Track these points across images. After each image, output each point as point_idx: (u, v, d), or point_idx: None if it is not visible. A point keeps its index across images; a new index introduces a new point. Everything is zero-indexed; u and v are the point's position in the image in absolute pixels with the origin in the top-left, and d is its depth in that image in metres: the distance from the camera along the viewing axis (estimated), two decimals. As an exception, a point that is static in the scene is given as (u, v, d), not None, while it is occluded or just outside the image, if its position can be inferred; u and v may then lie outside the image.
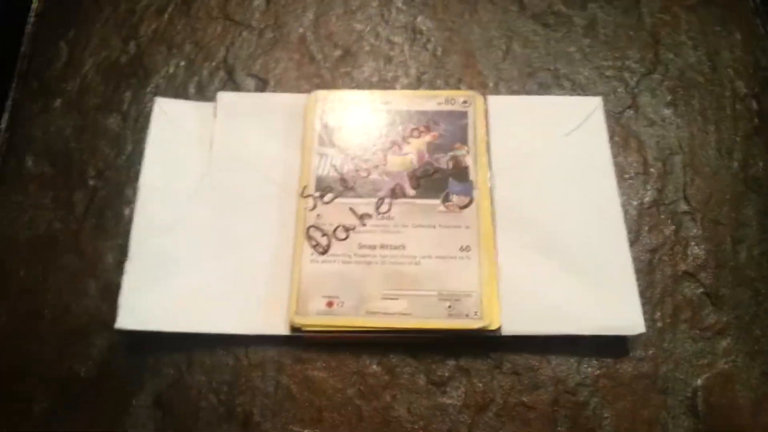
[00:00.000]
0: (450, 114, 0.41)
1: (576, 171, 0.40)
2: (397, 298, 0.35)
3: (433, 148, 0.40)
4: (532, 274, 0.36)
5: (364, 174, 0.39)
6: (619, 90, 0.44)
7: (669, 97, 0.44)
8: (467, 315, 0.34)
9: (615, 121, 0.42)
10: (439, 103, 0.41)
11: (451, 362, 0.35)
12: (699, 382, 0.35)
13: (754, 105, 0.44)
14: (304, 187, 0.38)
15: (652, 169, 0.41)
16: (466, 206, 0.38)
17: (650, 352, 0.35)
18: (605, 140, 0.40)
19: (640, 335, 0.35)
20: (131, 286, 0.35)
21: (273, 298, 0.35)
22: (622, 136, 0.42)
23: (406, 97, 0.42)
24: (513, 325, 0.34)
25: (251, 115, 0.41)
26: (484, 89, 0.43)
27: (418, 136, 0.40)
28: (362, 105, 0.41)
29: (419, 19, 0.47)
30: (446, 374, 0.35)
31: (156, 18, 0.46)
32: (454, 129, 0.40)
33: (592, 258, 0.37)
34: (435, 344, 0.35)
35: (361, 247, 0.36)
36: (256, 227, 0.38)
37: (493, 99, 0.42)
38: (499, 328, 0.34)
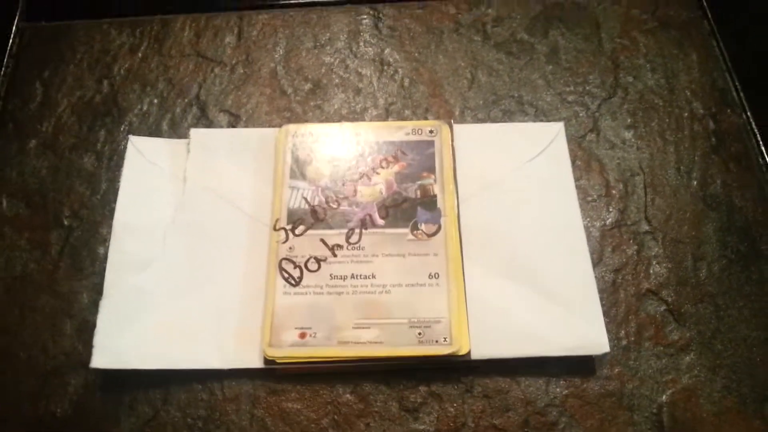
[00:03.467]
0: (417, 144, 0.42)
1: (540, 196, 0.41)
2: (368, 327, 0.36)
3: (402, 177, 0.41)
4: (499, 299, 0.37)
5: (334, 205, 0.40)
6: (580, 114, 0.45)
7: (629, 120, 0.45)
8: (437, 341, 0.35)
9: (577, 145, 0.44)
10: (407, 134, 0.43)
11: (423, 388, 0.36)
12: (664, 398, 0.36)
13: (711, 124, 0.45)
14: (276, 220, 0.39)
15: (614, 191, 0.42)
16: (434, 234, 0.39)
17: (616, 370, 0.36)
18: (567, 164, 0.42)
19: (605, 354, 0.36)
20: (106, 324, 0.35)
21: (246, 332, 0.36)
22: (585, 160, 0.43)
23: (374, 128, 0.43)
24: (482, 350, 0.35)
25: (223, 150, 0.42)
26: (451, 118, 0.45)
27: (387, 167, 0.41)
28: (331, 137, 0.42)
29: (387, 51, 0.48)
30: (418, 400, 0.35)
31: (129, 57, 0.47)
32: (422, 158, 0.41)
33: (557, 281, 0.38)
34: (407, 371, 0.36)
35: (332, 277, 0.37)
36: (229, 261, 0.38)
37: (458, 128, 0.43)
38: (468, 353, 0.35)
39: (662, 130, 0.45)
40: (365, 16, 0.50)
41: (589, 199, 0.42)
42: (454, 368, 0.36)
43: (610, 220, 0.41)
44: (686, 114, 0.46)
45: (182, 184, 0.41)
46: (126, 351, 0.35)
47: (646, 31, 0.49)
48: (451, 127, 0.43)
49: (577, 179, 0.41)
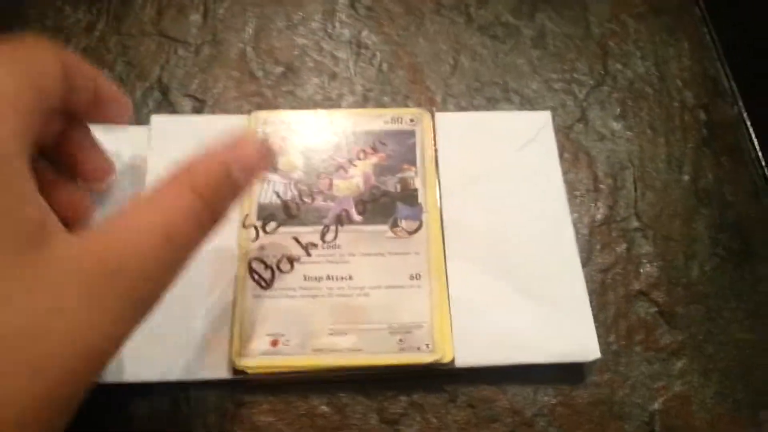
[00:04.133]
0: (397, 134, 0.39)
1: (526, 189, 0.38)
2: (345, 333, 0.33)
3: (380, 170, 0.38)
4: (484, 303, 0.35)
5: (308, 200, 0.37)
6: (568, 103, 0.43)
7: (618, 110, 0.43)
8: (419, 348, 0.33)
9: (564, 136, 0.42)
10: (386, 122, 0.40)
11: (404, 398, 0.34)
12: (656, 405, 0.34)
13: (703, 115, 0.44)
14: (246, 216, 0.36)
15: (602, 186, 0.40)
16: (415, 231, 0.36)
17: (606, 377, 0.35)
18: (555, 156, 0.40)
19: (595, 360, 0.34)
20: None
21: (214, 339, 0.33)
22: (572, 152, 0.41)
23: (351, 116, 0.40)
24: (467, 357, 0.33)
25: (188, 139, 0.39)
26: (432, 105, 0.42)
27: (364, 158, 0.38)
28: (305, 126, 0.39)
29: (364, 33, 0.45)
30: (399, 411, 0.33)
31: (85, 36, 0.44)
32: (402, 149, 0.39)
33: (545, 283, 0.36)
34: (387, 380, 0.34)
35: (306, 279, 0.35)
36: (194, 262, 0.35)
37: (440, 116, 0.40)
38: (452, 361, 0.33)
39: (652, 121, 0.43)
40: (341, -5, 0.46)
41: (577, 193, 0.40)
42: (437, 376, 0.34)
43: (598, 216, 0.39)
44: (677, 104, 0.44)
45: (143, 176, 0.37)
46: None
47: (636, 16, 0.47)
48: (432, 115, 0.40)
49: (564, 173, 0.39)
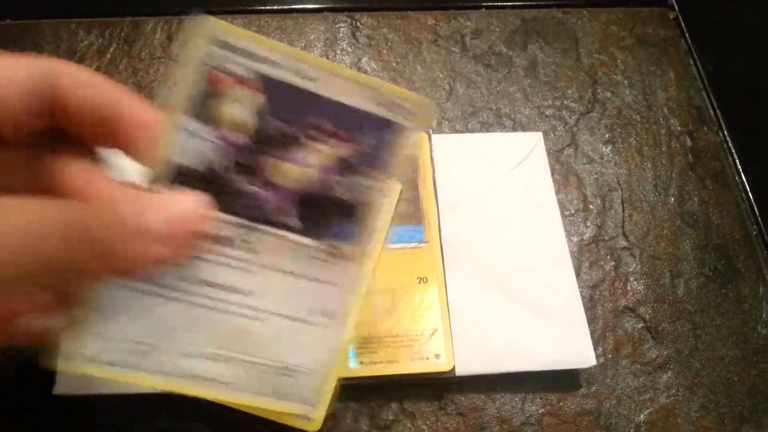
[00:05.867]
0: (386, 124, 0.26)
1: (521, 206, 0.40)
2: (225, 361, 0.26)
3: (346, 166, 0.26)
4: (482, 313, 0.36)
5: (238, 178, 0.25)
6: (558, 128, 0.45)
7: (607, 135, 0.45)
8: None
9: (555, 159, 0.43)
10: (379, 104, 0.26)
11: (395, 405, 0.34)
12: (642, 417, 0.35)
13: (688, 141, 0.45)
14: (150, 173, 0.24)
15: (591, 206, 0.42)
16: (347, 258, 0.27)
17: (593, 388, 0.35)
18: (548, 174, 0.41)
19: (585, 370, 0.35)
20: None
21: None
22: (562, 174, 0.43)
23: (337, 78, 0.25)
24: (467, 366, 0.34)
25: None
26: (428, 129, 0.44)
27: (334, 144, 0.26)
28: (266, 63, 0.24)
29: (364, 60, 0.47)
30: (390, 417, 0.34)
31: (97, 58, 0.46)
32: (384, 147, 0.26)
33: (541, 294, 0.37)
34: (379, 387, 0.34)
35: (201, 282, 0.25)
36: None
37: (437, 138, 0.42)
38: (452, 369, 0.34)
39: (640, 146, 0.45)
40: (342, 24, 0.49)
41: (567, 213, 0.41)
42: (430, 385, 0.35)
43: (587, 235, 0.41)
44: (664, 131, 0.46)
45: None
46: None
47: (624, 48, 0.49)
48: (429, 137, 0.42)
49: (555, 193, 0.41)
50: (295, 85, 0.24)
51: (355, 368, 0.33)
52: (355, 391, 0.34)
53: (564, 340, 0.35)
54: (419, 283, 0.36)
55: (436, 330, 0.35)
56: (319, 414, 0.28)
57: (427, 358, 0.34)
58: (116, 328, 0.24)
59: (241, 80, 0.24)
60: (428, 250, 0.37)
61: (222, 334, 0.26)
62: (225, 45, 0.23)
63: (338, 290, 0.27)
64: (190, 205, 0.23)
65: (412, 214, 0.39)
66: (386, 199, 0.28)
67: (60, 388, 0.32)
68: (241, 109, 0.24)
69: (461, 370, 0.34)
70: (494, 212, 0.40)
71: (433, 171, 0.40)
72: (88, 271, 0.21)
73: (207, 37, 0.23)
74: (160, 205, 0.22)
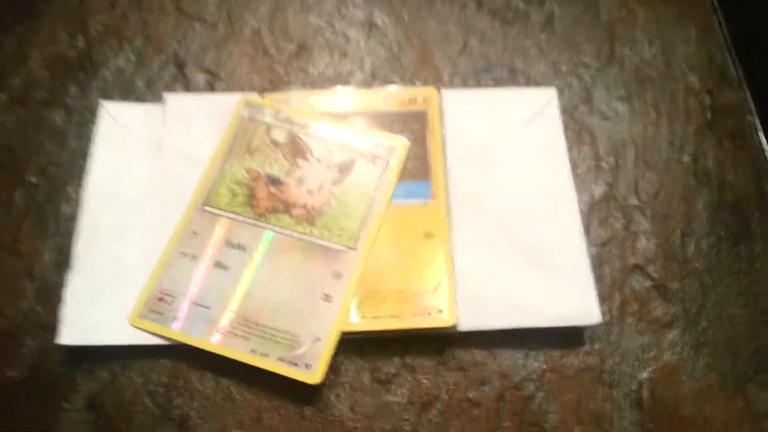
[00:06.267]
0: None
1: (531, 162, 0.39)
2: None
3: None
4: (488, 269, 0.36)
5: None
6: (573, 85, 0.44)
7: (623, 92, 0.44)
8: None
9: (569, 115, 0.42)
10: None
11: (397, 359, 0.35)
12: (644, 374, 0.35)
13: (707, 99, 0.44)
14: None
15: (603, 164, 0.41)
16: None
17: (596, 345, 0.35)
18: (560, 131, 0.40)
19: (590, 327, 0.35)
20: (75, 298, 0.34)
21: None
22: (575, 131, 0.42)
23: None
24: (469, 321, 0.34)
25: (200, 116, 0.40)
26: (439, 84, 0.43)
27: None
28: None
29: (376, 13, 0.46)
30: (392, 371, 0.34)
31: (107, 12, 0.46)
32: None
33: (548, 250, 0.36)
34: (381, 341, 0.35)
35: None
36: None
37: (447, 93, 0.41)
38: (455, 325, 0.34)
39: (656, 104, 0.44)
40: (354, -23, 0.48)
41: (578, 171, 0.41)
42: (432, 340, 0.35)
43: (598, 192, 0.40)
44: (682, 88, 0.44)
45: (158, 150, 0.39)
46: (97, 325, 0.33)
47: (646, 3, 0.48)
48: (439, 92, 0.41)
49: (566, 150, 0.40)
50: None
51: (357, 322, 0.34)
52: (357, 346, 0.35)
53: (569, 297, 0.35)
54: (425, 238, 0.36)
55: (439, 284, 0.35)
56: (321, 367, 0.30)
57: (430, 314, 0.34)
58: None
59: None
60: (435, 206, 0.37)
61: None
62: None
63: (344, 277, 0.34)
64: None
65: (419, 170, 0.38)
66: (393, 156, 0.37)
67: (65, 337, 0.33)
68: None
69: (464, 326, 0.34)
70: (504, 168, 0.39)
71: (444, 127, 0.40)
72: None
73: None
74: None
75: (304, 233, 0.36)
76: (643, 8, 0.48)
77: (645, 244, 0.38)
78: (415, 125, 0.40)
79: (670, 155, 0.42)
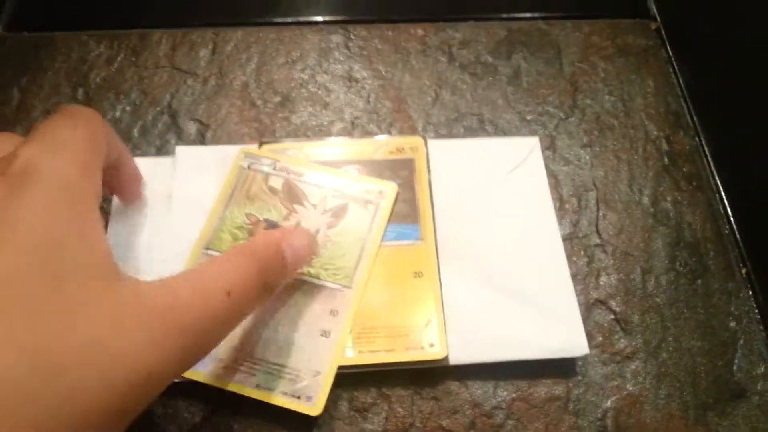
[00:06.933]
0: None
1: (517, 205, 0.42)
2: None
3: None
4: (477, 305, 0.38)
5: None
6: (538, 133, 0.47)
7: (585, 139, 0.47)
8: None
9: (534, 161, 0.45)
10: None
11: (374, 389, 0.36)
12: (609, 403, 0.37)
13: (665, 145, 0.47)
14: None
15: (567, 205, 0.44)
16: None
17: (562, 375, 0.37)
18: (544, 176, 0.43)
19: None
20: None
21: None
22: (541, 175, 0.45)
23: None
24: (461, 355, 0.36)
25: (209, 167, 0.42)
26: (414, 133, 0.46)
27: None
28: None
29: (355, 68, 0.50)
30: (368, 401, 0.36)
31: (106, 67, 0.49)
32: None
33: (535, 285, 0.39)
34: (357, 373, 0.37)
35: None
36: None
37: (433, 143, 0.44)
38: (446, 358, 0.36)
39: (616, 150, 0.47)
40: (336, 35, 0.51)
41: (544, 212, 0.43)
42: (406, 372, 0.37)
43: (563, 232, 0.42)
44: (641, 135, 0.48)
45: (168, 200, 0.41)
46: None
47: (606, 57, 0.52)
48: (425, 142, 0.44)
49: (550, 195, 0.43)
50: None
51: (354, 356, 0.36)
52: (336, 377, 0.36)
53: (558, 331, 0.37)
54: (415, 277, 0.38)
55: (430, 321, 0.37)
56: (321, 399, 0.32)
57: (422, 348, 0.36)
58: None
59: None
60: (423, 247, 0.40)
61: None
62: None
63: (340, 314, 0.37)
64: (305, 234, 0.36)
65: (408, 213, 0.41)
66: (384, 201, 0.40)
67: None
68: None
69: (455, 359, 0.36)
70: (490, 211, 0.42)
71: (430, 173, 0.43)
72: (258, 296, 0.30)
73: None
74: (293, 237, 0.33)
75: (303, 274, 0.38)
76: (604, 62, 0.51)
77: (606, 280, 0.41)
78: (403, 172, 0.43)
79: (630, 197, 0.44)
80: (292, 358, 0.35)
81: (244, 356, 0.35)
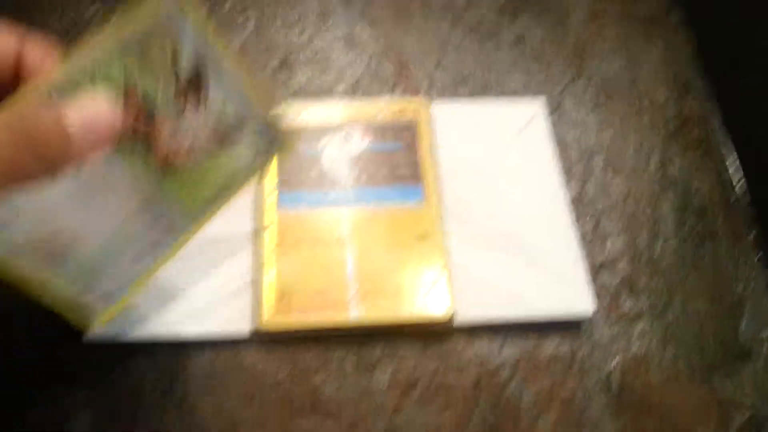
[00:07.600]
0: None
1: (522, 167, 0.42)
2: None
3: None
4: (483, 266, 0.37)
5: None
6: (544, 96, 0.46)
7: (591, 104, 0.46)
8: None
9: (540, 124, 0.45)
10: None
11: (380, 347, 0.36)
12: (614, 364, 0.36)
13: (673, 110, 0.46)
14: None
15: (574, 169, 0.43)
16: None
17: (569, 336, 0.37)
18: (550, 139, 0.43)
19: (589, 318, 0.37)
20: None
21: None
22: (546, 138, 0.44)
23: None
24: (466, 315, 0.36)
25: None
26: (417, 95, 0.45)
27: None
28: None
29: (356, 29, 0.49)
30: (374, 359, 0.35)
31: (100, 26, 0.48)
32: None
33: (541, 246, 0.38)
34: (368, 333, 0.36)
35: None
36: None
37: (437, 106, 0.43)
38: (452, 318, 0.35)
39: (624, 115, 0.46)
40: (338, -5, 0.50)
41: (550, 175, 0.42)
42: (413, 331, 0.36)
43: (570, 195, 0.42)
44: (648, 100, 0.47)
45: None
46: (119, 322, 0.34)
47: (614, 21, 0.51)
48: (429, 103, 0.43)
49: (556, 155, 0.42)
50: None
51: (359, 317, 0.35)
52: (342, 336, 0.36)
53: (564, 291, 0.37)
54: (418, 239, 0.38)
55: (436, 282, 0.36)
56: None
57: (428, 309, 0.35)
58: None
59: None
60: (427, 208, 0.39)
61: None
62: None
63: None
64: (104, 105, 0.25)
65: (411, 174, 0.40)
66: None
67: (91, 335, 0.33)
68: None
69: (460, 320, 0.35)
70: (495, 173, 0.41)
71: (435, 136, 0.42)
72: (30, 172, 0.23)
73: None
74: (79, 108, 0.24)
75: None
76: (612, 25, 0.50)
77: (613, 243, 0.40)
78: (405, 134, 0.42)
79: (636, 162, 0.44)
80: None
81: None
